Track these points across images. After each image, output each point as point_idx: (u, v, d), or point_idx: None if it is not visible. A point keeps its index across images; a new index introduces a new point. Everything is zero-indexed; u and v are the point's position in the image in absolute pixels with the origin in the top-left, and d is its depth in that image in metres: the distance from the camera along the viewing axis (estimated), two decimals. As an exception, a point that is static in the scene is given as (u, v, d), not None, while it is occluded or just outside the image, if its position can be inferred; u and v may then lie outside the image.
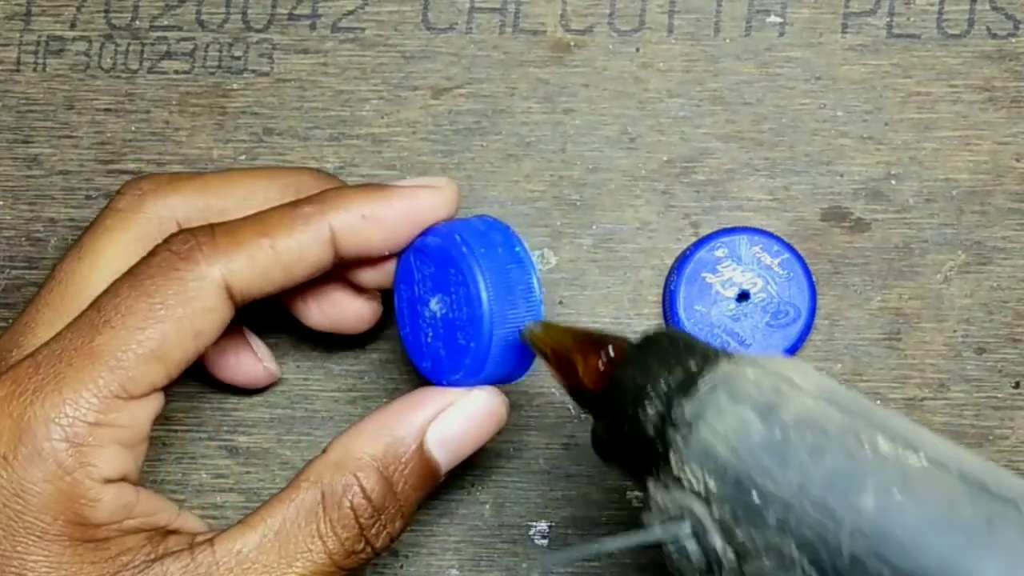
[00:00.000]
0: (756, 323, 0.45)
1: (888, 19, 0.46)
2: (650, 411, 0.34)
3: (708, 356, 0.34)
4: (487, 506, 0.46)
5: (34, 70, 0.47)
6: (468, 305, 0.38)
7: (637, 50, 0.47)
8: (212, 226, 0.37)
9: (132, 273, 0.37)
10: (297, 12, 0.47)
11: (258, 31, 0.47)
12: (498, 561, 0.46)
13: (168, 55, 0.47)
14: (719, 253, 0.45)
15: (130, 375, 0.35)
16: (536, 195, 0.46)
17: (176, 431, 0.46)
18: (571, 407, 0.46)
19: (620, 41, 0.47)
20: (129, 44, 0.47)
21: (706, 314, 0.44)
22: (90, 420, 0.35)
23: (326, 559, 0.37)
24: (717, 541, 0.32)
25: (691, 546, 0.33)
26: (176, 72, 0.47)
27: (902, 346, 0.46)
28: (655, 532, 0.33)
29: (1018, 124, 0.46)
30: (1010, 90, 0.46)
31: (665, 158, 0.46)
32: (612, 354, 0.36)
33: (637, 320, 0.46)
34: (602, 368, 0.36)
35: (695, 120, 0.46)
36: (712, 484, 0.32)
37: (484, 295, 0.37)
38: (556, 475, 0.46)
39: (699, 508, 0.32)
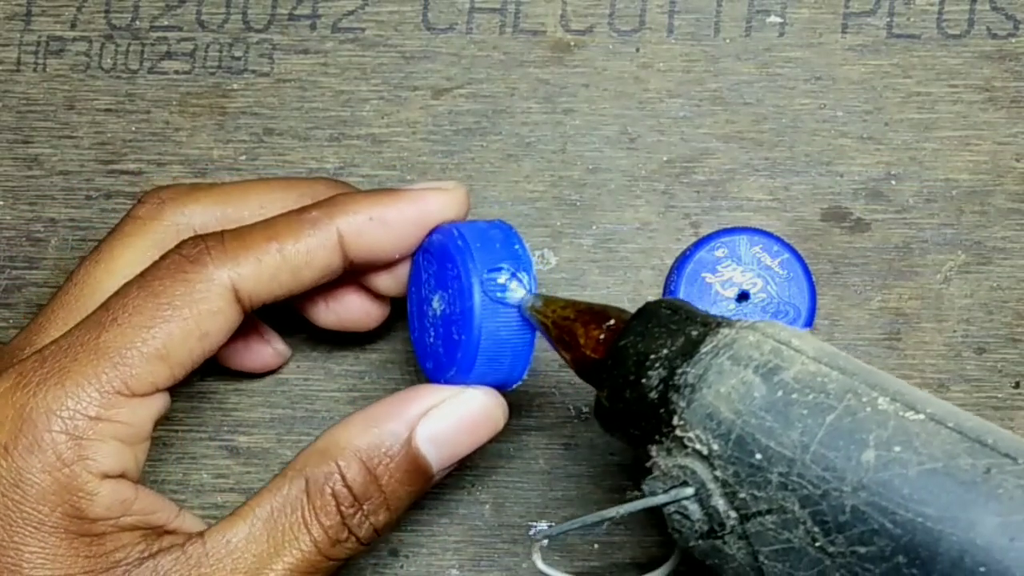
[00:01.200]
0: None
1: (888, 19, 0.46)
2: (653, 376, 0.34)
3: (708, 323, 0.35)
4: (487, 506, 0.46)
5: (34, 70, 0.47)
6: (461, 298, 0.38)
7: (637, 50, 0.47)
8: (223, 232, 0.38)
9: (142, 275, 0.37)
10: (297, 12, 0.47)
11: (258, 31, 0.47)
12: (498, 561, 0.46)
13: (168, 55, 0.47)
14: (719, 253, 0.45)
15: (133, 372, 0.36)
16: (536, 195, 0.46)
17: (177, 431, 0.46)
18: (571, 407, 0.46)
19: (620, 41, 0.47)
20: (129, 44, 0.47)
21: None
22: (91, 414, 0.35)
23: (312, 547, 0.37)
24: (720, 502, 0.33)
25: (693, 508, 0.33)
26: (176, 72, 0.47)
27: (902, 346, 0.46)
28: (658, 496, 0.33)
29: (1018, 124, 0.46)
30: (1010, 90, 0.46)
31: (665, 158, 0.46)
32: (613, 324, 0.36)
33: (637, 320, 0.46)
34: (603, 338, 0.36)
35: (695, 120, 0.46)
36: (715, 445, 0.32)
37: (476, 286, 0.37)
38: (556, 475, 0.46)
39: (702, 470, 0.33)
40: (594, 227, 0.46)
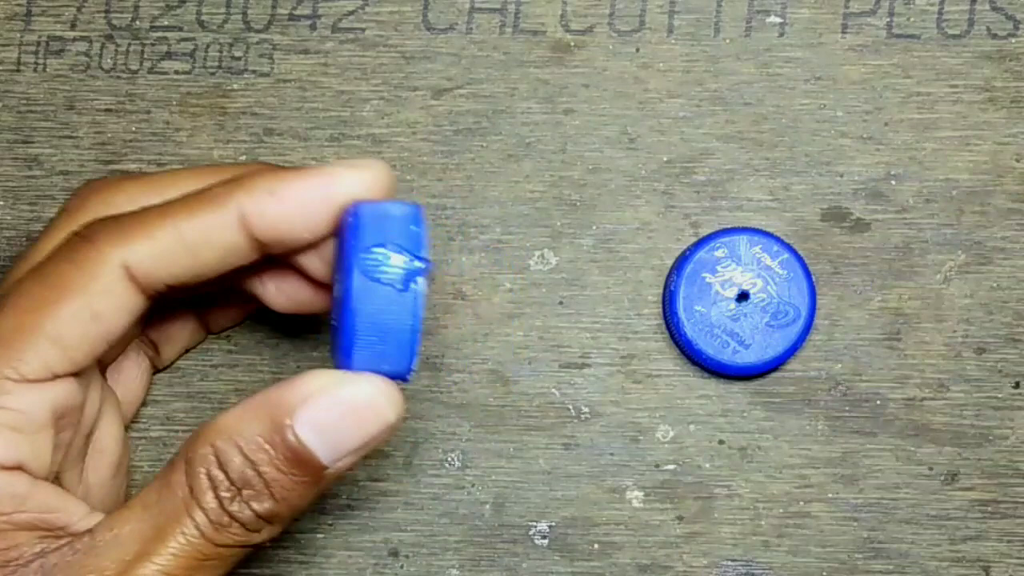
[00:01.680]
0: (756, 323, 0.45)
1: (888, 19, 0.46)
2: None
3: None
4: (487, 506, 0.46)
5: (34, 70, 0.47)
6: (347, 277, 0.35)
7: (637, 50, 0.47)
8: (126, 213, 0.36)
9: (24, 256, 0.36)
10: (297, 12, 0.47)
11: (258, 31, 0.47)
12: (498, 561, 0.46)
13: (168, 55, 0.47)
14: (719, 253, 0.45)
15: (22, 356, 0.34)
16: (536, 195, 0.46)
17: (176, 431, 0.46)
18: (571, 407, 0.46)
19: (620, 41, 0.47)
20: (129, 44, 0.47)
21: (706, 314, 0.44)
22: None
23: (196, 532, 0.35)
24: None
25: None
26: (176, 72, 0.47)
27: (902, 346, 0.46)
28: None
29: (1018, 124, 0.46)
30: (1010, 90, 0.46)
31: (665, 158, 0.46)
32: None
33: (637, 320, 0.46)
34: None
35: (695, 120, 0.46)
36: None
37: (354, 265, 0.35)
38: (556, 475, 0.46)
39: None
40: (594, 227, 0.46)
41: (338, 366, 0.36)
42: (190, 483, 0.35)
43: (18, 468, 0.34)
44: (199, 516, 0.35)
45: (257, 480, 0.35)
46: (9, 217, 0.47)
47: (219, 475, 0.35)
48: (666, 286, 0.46)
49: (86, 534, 0.35)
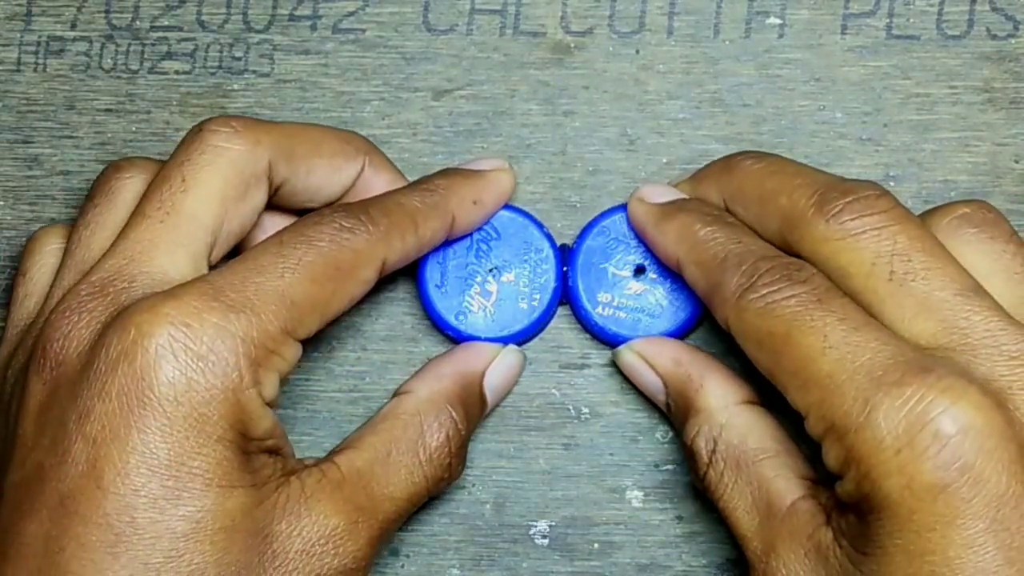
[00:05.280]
0: (661, 293, 0.45)
1: (887, 20, 0.47)
2: None
3: None
4: (487, 506, 0.46)
5: (35, 70, 0.47)
6: (541, 276, 0.45)
7: (637, 52, 0.47)
8: (365, 206, 0.41)
9: (304, 235, 0.40)
10: (298, 13, 0.47)
11: (259, 32, 0.47)
12: (498, 561, 0.46)
13: (169, 55, 0.47)
14: (603, 238, 0.45)
15: (301, 319, 0.39)
16: (536, 197, 0.47)
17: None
18: (571, 407, 0.46)
19: (620, 43, 0.47)
20: (130, 44, 0.47)
21: (611, 301, 0.45)
22: (269, 346, 0.39)
23: (423, 482, 0.42)
24: None
25: None
26: (177, 72, 0.47)
27: (901, 347, 0.46)
28: None
29: (1017, 125, 0.46)
30: (1009, 91, 0.46)
31: (665, 160, 0.46)
32: None
33: (637, 321, 0.46)
34: None
35: (695, 122, 0.47)
36: None
37: (555, 271, 0.45)
38: (556, 475, 0.46)
39: None
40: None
41: (473, 333, 0.45)
42: (428, 442, 0.42)
43: (272, 405, 0.40)
44: (429, 470, 0.42)
45: (469, 435, 0.44)
46: (9, 217, 0.47)
47: (456, 435, 0.43)
48: (565, 282, 0.46)
49: (328, 464, 0.41)
